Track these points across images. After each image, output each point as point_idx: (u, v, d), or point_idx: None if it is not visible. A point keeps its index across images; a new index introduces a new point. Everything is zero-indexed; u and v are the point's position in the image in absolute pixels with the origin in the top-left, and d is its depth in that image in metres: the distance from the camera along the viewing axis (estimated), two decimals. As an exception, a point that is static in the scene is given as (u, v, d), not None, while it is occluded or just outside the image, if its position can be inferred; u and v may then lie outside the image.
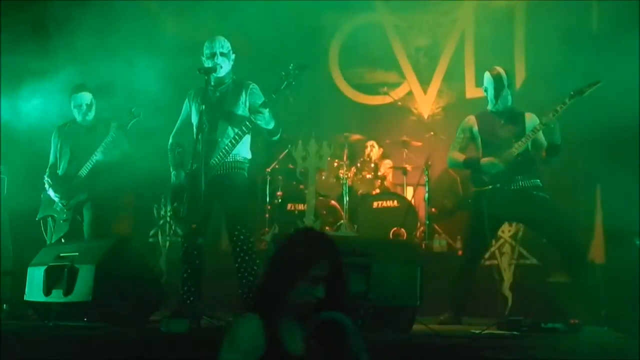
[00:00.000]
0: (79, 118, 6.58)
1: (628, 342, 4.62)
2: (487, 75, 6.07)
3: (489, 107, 6.10)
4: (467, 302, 6.05)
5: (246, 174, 5.68)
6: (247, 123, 5.44)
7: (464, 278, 6.09)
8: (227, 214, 5.56)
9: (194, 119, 5.64)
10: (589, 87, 5.67)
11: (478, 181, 5.97)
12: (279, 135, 5.69)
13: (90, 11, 7.86)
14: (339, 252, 3.02)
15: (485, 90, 6.11)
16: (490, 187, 5.87)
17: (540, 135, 5.83)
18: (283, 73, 5.43)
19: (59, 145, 6.63)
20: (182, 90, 6.00)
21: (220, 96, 5.62)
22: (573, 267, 5.73)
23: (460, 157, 6.12)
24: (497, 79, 6.00)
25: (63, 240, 6.40)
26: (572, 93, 5.68)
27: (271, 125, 5.50)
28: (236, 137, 5.47)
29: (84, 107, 6.54)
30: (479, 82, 9.21)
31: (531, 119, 5.98)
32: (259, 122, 5.41)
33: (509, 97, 6.02)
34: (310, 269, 2.94)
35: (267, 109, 5.39)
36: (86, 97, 6.54)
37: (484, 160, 5.92)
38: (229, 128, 5.54)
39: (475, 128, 6.11)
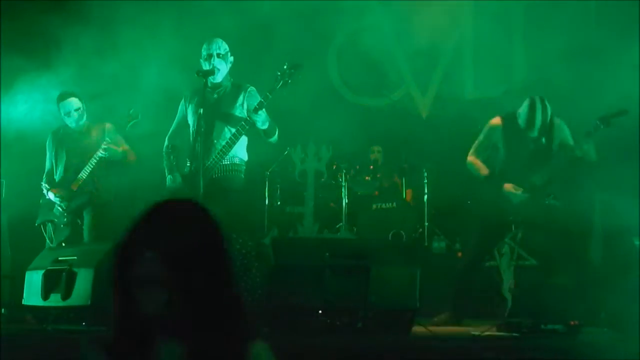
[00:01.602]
0: (71, 125, 6.55)
1: (627, 343, 4.61)
2: (526, 103, 5.82)
3: (521, 123, 5.87)
4: (466, 304, 6.04)
5: (243, 176, 5.67)
6: (244, 124, 5.43)
7: (466, 280, 6.06)
8: (225, 216, 5.53)
9: (190, 120, 5.63)
10: (615, 116, 5.58)
11: (499, 211, 5.86)
12: (276, 136, 5.68)
13: (88, 13, 7.84)
14: (186, 229, 2.06)
15: (519, 116, 5.87)
16: (511, 219, 5.89)
17: (567, 136, 5.79)
18: (278, 73, 5.43)
19: (54, 151, 6.62)
20: (180, 92, 5.99)
21: (218, 98, 5.62)
22: (575, 269, 5.69)
23: (483, 169, 5.98)
24: (538, 112, 5.75)
25: (64, 245, 6.38)
26: (597, 122, 5.57)
27: (266, 125, 5.49)
28: (233, 138, 5.46)
29: (74, 113, 6.51)
30: (477, 84, 9.25)
31: (559, 130, 5.85)
32: (256, 122, 5.41)
33: (539, 128, 5.80)
34: (124, 271, 2.03)
35: (263, 109, 5.38)
36: (73, 103, 6.50)
37: (507, 187, 5.81)
38: (226, 129, 5.53)
39: (501, 141, 5.95)
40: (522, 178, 5.78)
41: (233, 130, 5.49)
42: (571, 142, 5.82)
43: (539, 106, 5.75)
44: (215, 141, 5.51)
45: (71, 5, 7.86)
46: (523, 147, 5.85)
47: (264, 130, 5.53)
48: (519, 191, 5.76)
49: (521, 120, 5.84)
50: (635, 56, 6.42)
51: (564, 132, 5.88)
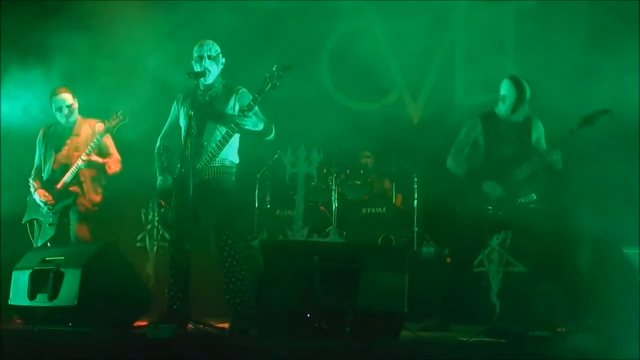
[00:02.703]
0: (62, 121, 6.55)
1: (614, 349, 4.63)
2: (507, 83, 5.86)
3: (500, 113, 5.93)
4: (454, 309, 6.04)
5: (234, 178, 5.66)
6: (233, 125, 5.41)
7: (452, 284, 6.07)
8: (215, 218, 5.54)
9: (182, 122, 5.62)
10: (598, 115, 5.59)
11: (478, 203, 5.85)
12: (273, 134, 5.65)
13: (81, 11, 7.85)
14: None
15: (502, 99, 5.88)
16: (490, 211, 5.82)
17: (541, 137, 5.82)
18: (267, 75, 5.41)
19: (43, 148, 6.60)
20: (172, 93, 5.98)
21: (209, 100, 5.61)
22: (560, 277, 5.73)
23: (462, 166, 6.01)
24: (519, 89, 5.79)
25: (49, 244, 6.36)
26: (580, 121, 5.59)
27: (260, 127, 5.48)
28: (222, 140, 5.45)
29: (65, 109, 6.50)
30: (469, 89, 9.27)
31: (536, 127, 5.89)
32: (245, 126, 5.40)
33: (525, 111, 5.86)
34: None
35: (252, 112, 5.36)
36: (66, 99, 6.50)
37: (487, 184, 5.82)
38: (217, 132, 5.52)
39: (482, 136, 5.96)
40: (503, 173, 5.79)
41: (223, 130, 5.48)
42: (544, 145, 5.85)
43: (524, 82, 5.83)
44: (205, 143, 5.49)
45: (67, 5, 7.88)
46: (503, 140, 5.86)
47: (259, 132, 5.52)
48: (499, 187, 5.77)
49: (500, 106, 5.88)
50: (624, 63, 6.46)
51: (540, 133, 5.91)
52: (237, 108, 5.59)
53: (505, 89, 5.87)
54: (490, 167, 5.88)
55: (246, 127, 5.42)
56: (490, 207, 5.81)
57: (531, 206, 5.86)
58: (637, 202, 6.39)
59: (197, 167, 5.43)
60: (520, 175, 5.76)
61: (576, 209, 6.57)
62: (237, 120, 5.37)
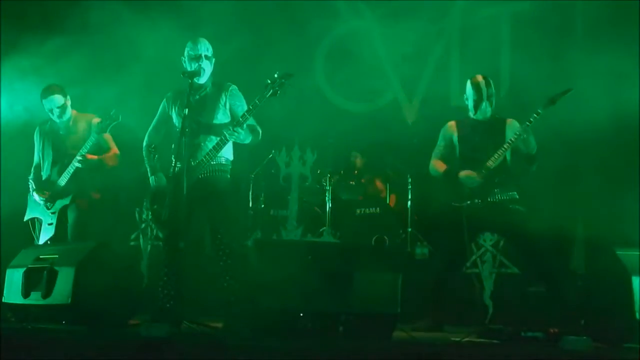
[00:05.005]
0: (55, 120, 6.54)
1: (607, 351, 4.65)
2: (468, 84, 6.08)
3: (470, 114, 6.10)
4: (446, 310, 6.05)
5: (229, 176, 5.66)
6: (226, 135, 5.41)
7: (440, 286, 6.10)
8: (210, 217, 5.54)
9: (176, 122, 5.60)
10: (560, 95, 5.72)
11: (456, 196, 5.95)
12: (259, 139, 5.66)
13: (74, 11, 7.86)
14: None
15: (466, 99, 6.11)
16: (468, 202, 5.88)
17: (520, 145, 5.85)
18: (269, 81, 5.40)
19: (41, 145, 6.60)
20: (164, 93, 5.97)
21: (200, 99, 5.58)
22: (550, 278, 5.77)
23: (441, 167, 6.13)
24: (476, 89, 6.01)
25: (49, 243, 6.35)
26: (545, 102, 5.72)
27: (248, 141, 5.50)
28: (216, 147, 5.45)
29: (56, 110, 6.48)
30: (463, 90, 9.29)
31: (511, 126, 5.98)
32: (233, 139, 5.41)
33: (488, 109, 6.01)
34: None
35: (244, 126, 5.37)
36: (56, 99, 6.47)
37: (462, 173, 5.92)
38: (212, 132, 5.52)
39: (455, 136, 6.12)
40: (476, 163, 5.87)
41: (216, 137, 5.47)
42: (521, 144, 5.88)
43: (481, 82, 5.99)
44: (196, 142, 5.48)
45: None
46: (475, 135, 5.99)
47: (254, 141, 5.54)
48: (474, 175, 5.82)
49: (469, 104, 6.04)
50: (619, 63, 6.48)
51: (517, 129, 5.89)
52: (228, 105, 5.58)
53: (466, 89, 6.08)
54: (465, 163, 5.97)
55: (234, 140, 5.43)
56: (468, 202, 5.86)
57: (511, 206, 5.87)
58: (636, 202, 6.44)
59: (193, 165, 5.43)
60: (493, 163, 5.81)
61: (567, 212, 6.61)
62: (228, 135, 5.37)
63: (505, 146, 5.83)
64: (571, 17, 8.19)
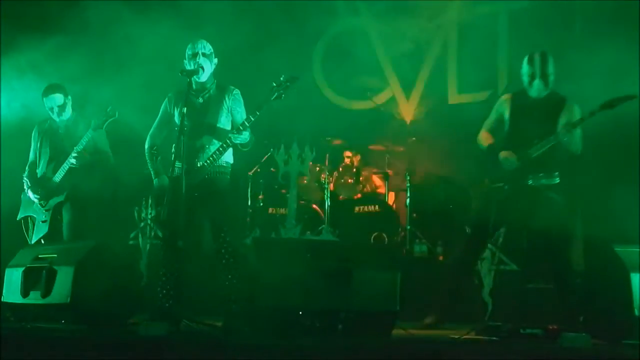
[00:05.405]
0: (55, 119, 6.54)
1: (606, 347, 4.66)
2: (524, 59, 5.75)
3: (526, 91, 5.81)
4: (454, 306, 5.98)
5: (229, 177, 5.66)
6: (228, 141, 5.42)
7: (454, 280, 5.99)
8: (211, 217, 5.54)
9: (177, 123, 5.60)
10: (621, 100, 5.44)
11: (492, 175, 5.74)
12: (249, 147, 5.66)
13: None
14: None
15: (522, 75, 5.80)
16: (501, 185, 5.68)
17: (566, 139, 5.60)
18: (274, 84, 5.39)
19: (38, 144, 6.59)
20: (164, 93, 5.97)
21: (203, 103, 5.58)
22: (561, 278, 5.64)
23: (486, 140, 5.88)
24: (530, 64, 5.70)
25: (43, 242, 6.35)
26: (602, 104, 5.44)
27: (249, 145, 5.52)
28: (221, 150, 5.45)
29: (56, 108, 6.48)
30: (462, 88, 9.30)
31: (568, 111, 5.66)
32: (237, 141, 5.41)
33: (543, 88, 5.69)
34: None
35: (248, 129, 5.38)
36: (56, 98, 6.47)
37: (503, 154, 5.67)
38: (215, 136, 5.52)
39: (507, 111, 5.84)
40: (521, 145, 5.63)
41: (220, 141, 5.47)
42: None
43: (537, 59, 5.70)
44: (200, 144, 5.48)
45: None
46: (527, 117, 5.72)
47: (240, 144, 5.53)
48: (513, 158, 5.63)
49: (524, 80, 5.75)
50: (617, 62, 6.47)
51: (571, 117, 5.65)
52: (230, 109, 5.59)
53: (522, 65, 5.80)
54: (511, 142, 5.73)
55: (237, 142, 5.44)
56: (502, 184, 5.66)
57: (549, 194, 5.63)
58: (635, 199, 6.44)
59: (197, 168, 5.43)
60: (534, 152, 5.58)
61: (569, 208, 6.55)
62: (232, 136, 5.38)
63: (551, 138, 5.54)
64: (570, 15, 8.20)
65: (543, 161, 5.61)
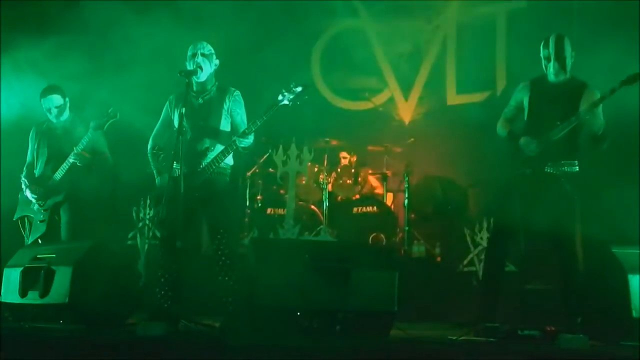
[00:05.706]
0: (53, 120, 6.54)
1: (603, 349, 4.66)
2: (542, 42, 5.61)
3: (545, 75, 5.66)
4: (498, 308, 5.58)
5: (228, 179, 5.66)
6: (233, 145, 5.42)
7: (490, 282, 5.69)
8: (209, 219, 5.54)
9: (177, 125, 5.60)
10: None
11: (512, 162, 5.59)
12: (249, 149, 5.66)
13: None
14: None
15: (542, 59, 5.64)
16: (522, 171, 5.51)
17: (588, 120, 5.43)
18: (283, 90, 5.40)
19: (36, 145, 6.59)
20: (165, 94, 5.97)
21: (203, 104, 5.57)
22: (568, 279, 5.52)
23: (505, 128, 5.76)
24: (545, 46, 5.56)
25: (40, 241, 6.35)
26: (623, 80, 5.28)
27: (249, 144, 5.51)
28: (225, 152, 5.45)
29: (54, 109, 6.48)
30: (460, 88, 9.32)
31: (589, 95, 5.48)
32: (241, 145, 5.41)
33: (561, 71, 5.52)
34: None
35: (253, 134, 5.38)
36: (55, 99, 6.47)
37: (524, 139, 5.51)
38: (216, 138, 5.52)
39: (527, 97, 5.69)
40: (541, 130, 5.48)
41: (221, 146, 5.47)
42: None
43: (552, 41, 5.56)
44: (201, 147, 5.48)
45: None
46: (547, 102, 5.59)
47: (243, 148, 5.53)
48: (534, 142, 5.46)
49: (543, 64, 5.61)
50: (615, 61, 6.47)
51: (591, 102, 5.46)
52: (230, 111, 5.58)
53: (541, 48, 5.66)
54: (531, 128, 5.59)
55: (240, 146, 5.43)
56: (523, 170, 5.49)
57: (565, 185, 5.43)
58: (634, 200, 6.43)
59: (198, 170, 5.43)
60: (555, 135, 5.42)
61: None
62: (237, 140, 5.38)
63: (572, 119, 5.38)
64: (568, 15, 8.20)
65: (564, 147, 5.46)
